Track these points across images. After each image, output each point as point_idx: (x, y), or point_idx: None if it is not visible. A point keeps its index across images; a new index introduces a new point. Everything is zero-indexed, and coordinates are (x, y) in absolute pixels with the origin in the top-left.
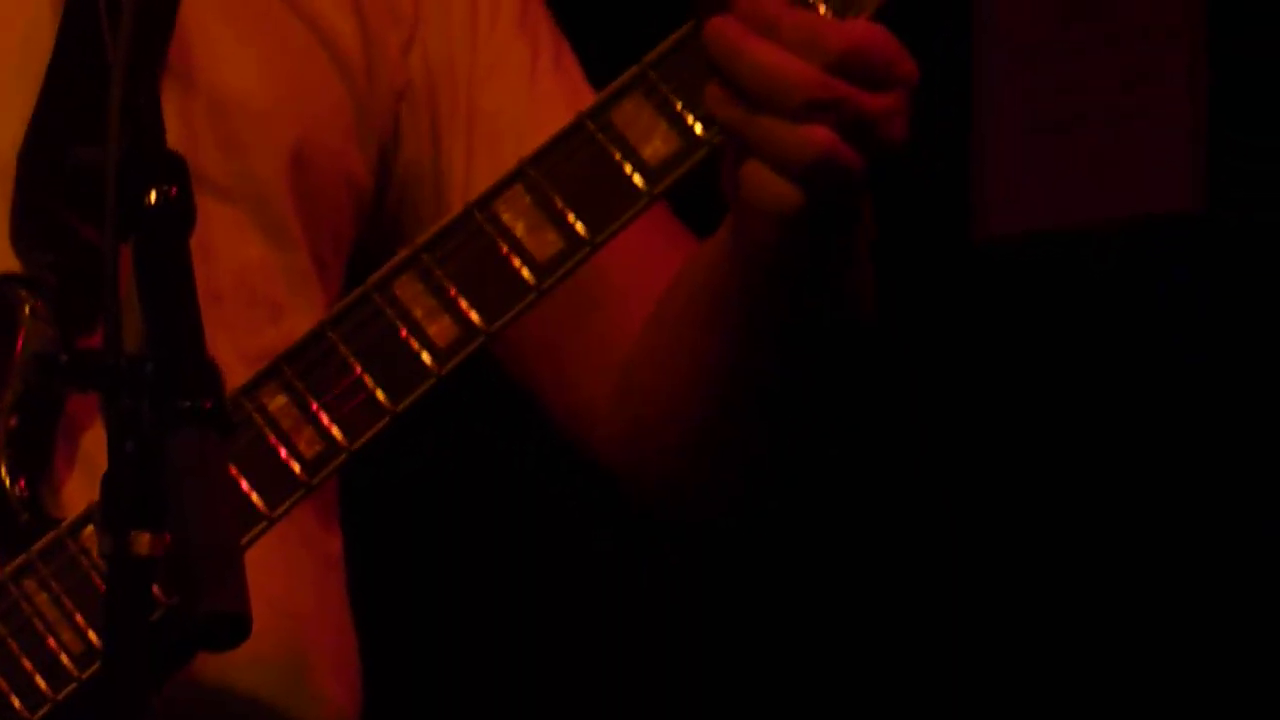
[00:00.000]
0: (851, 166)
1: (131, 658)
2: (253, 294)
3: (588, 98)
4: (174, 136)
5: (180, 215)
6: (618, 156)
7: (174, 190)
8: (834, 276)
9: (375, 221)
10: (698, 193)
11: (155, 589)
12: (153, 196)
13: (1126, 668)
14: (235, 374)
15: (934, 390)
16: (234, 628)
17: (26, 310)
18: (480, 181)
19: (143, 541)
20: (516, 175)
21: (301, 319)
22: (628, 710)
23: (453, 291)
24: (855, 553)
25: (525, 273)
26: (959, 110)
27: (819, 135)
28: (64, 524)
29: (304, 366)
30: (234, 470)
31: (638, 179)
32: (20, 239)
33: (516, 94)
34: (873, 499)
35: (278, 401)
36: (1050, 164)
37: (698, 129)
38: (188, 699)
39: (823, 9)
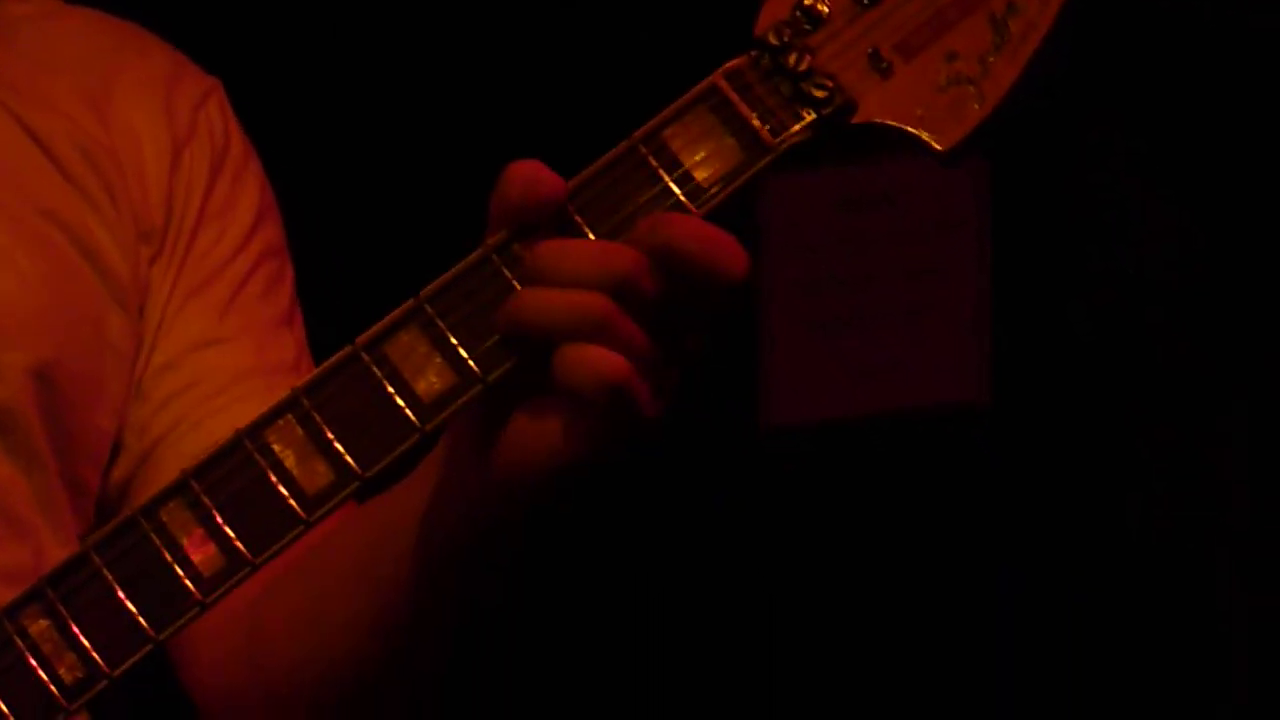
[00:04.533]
0: (641, 400)
1: None
2: (1, 511)
3: (281, 334)
4: None
5: None
6: (390, 390)
7: None
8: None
9: None
10: None
11: None
12: None
13: None
14: None
15: (718, 577)
16: None
17: None
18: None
19: None
20: (289, 404)
21: (51, 538)
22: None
23: (220, 520)
24: None
25: (294, 504)
26: (746, 301)
27: (610, 360)
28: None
29: (67, 590)
30: None
31: (410, 414)
32: None
33: (206, 325)
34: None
35: (39, 625)
36: (835, 355)
37: (473, 365)
38: None
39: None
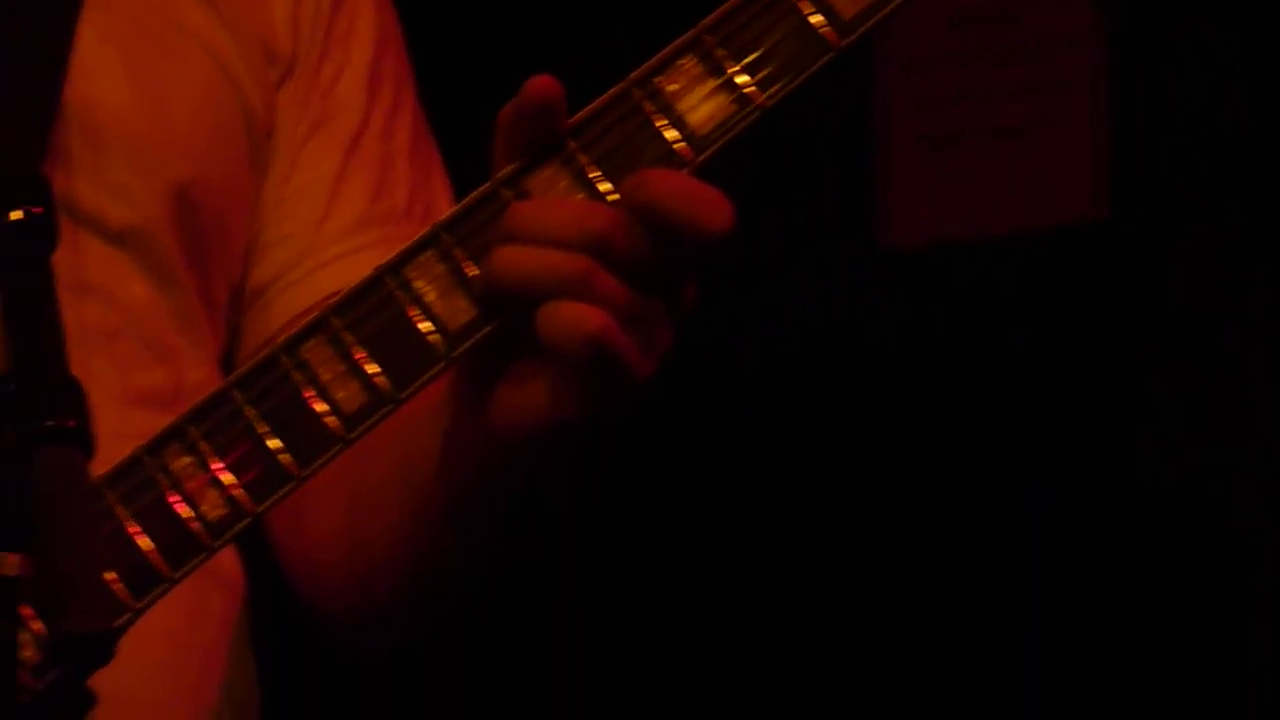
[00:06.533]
0: (626, 357)
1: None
2: (141, 333)
3: (398, 171)
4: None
5: (43, 233)
6: None
7: (39, 209)
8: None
9: None
10: None
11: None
12: (17, 214)
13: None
14: (124, 412)
15: (837, 395)
16: (96, 647)
17: None
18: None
19: (10, 563)
20: (430, 240)
21: (190, 358)
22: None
23: (361, 357)
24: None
25: (436, 340)
26: (860, 120)
27: (590, 316)
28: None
29: (209, 428)
30: (136, 529)
31: None
32: None
33: (326, 164)
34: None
35: (181, 462)
36: (951, 174)
37: (612, 199)
38: None
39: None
